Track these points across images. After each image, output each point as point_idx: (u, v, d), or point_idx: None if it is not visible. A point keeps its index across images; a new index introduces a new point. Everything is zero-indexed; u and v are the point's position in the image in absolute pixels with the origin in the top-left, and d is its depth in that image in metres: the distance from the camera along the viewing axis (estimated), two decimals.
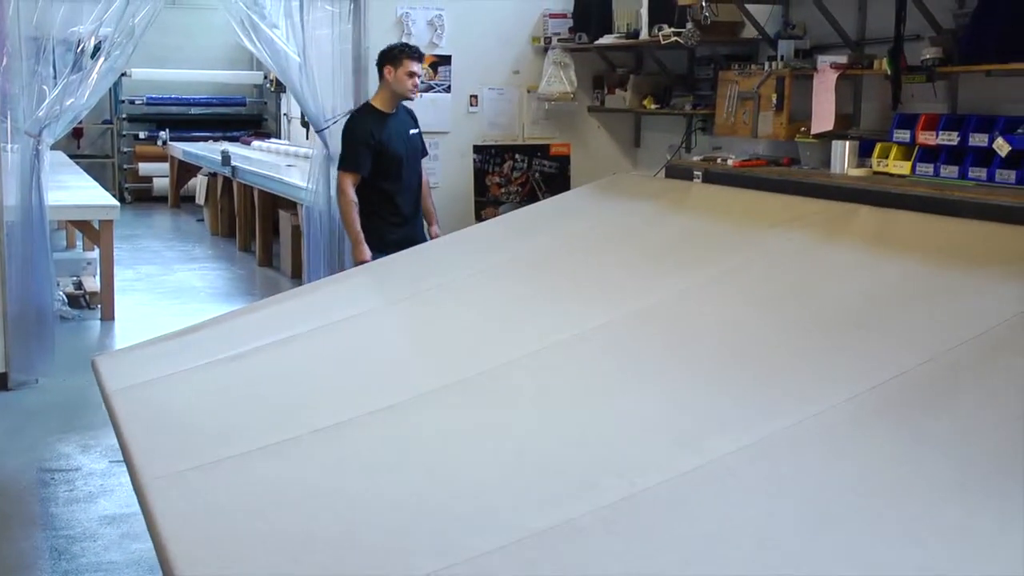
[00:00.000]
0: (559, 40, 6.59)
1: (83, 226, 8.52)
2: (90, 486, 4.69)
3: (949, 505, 2.09)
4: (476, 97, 6.59)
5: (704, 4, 5.08)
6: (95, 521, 4.32)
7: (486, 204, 6.67)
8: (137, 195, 15.50)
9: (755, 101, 5.18)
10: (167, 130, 15.17)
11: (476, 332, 3.63)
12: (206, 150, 13.01)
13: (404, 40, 6.35)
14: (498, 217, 5.19)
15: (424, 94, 6.40)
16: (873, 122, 4.90)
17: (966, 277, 2.97)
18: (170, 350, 3.91)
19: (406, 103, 5.58)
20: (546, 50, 6.63)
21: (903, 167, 4.30)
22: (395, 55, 5.45)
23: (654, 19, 5.73)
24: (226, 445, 2.87)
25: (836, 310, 3.05)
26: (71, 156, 13.35)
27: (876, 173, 4.42)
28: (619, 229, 4.38)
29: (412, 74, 5.44)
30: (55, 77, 6.15)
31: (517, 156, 6.72)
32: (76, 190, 9.10)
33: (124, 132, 15.68)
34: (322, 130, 6.83)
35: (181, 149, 14.04)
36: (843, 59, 4.76)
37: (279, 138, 14.53)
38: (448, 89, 6.48)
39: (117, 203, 8.52)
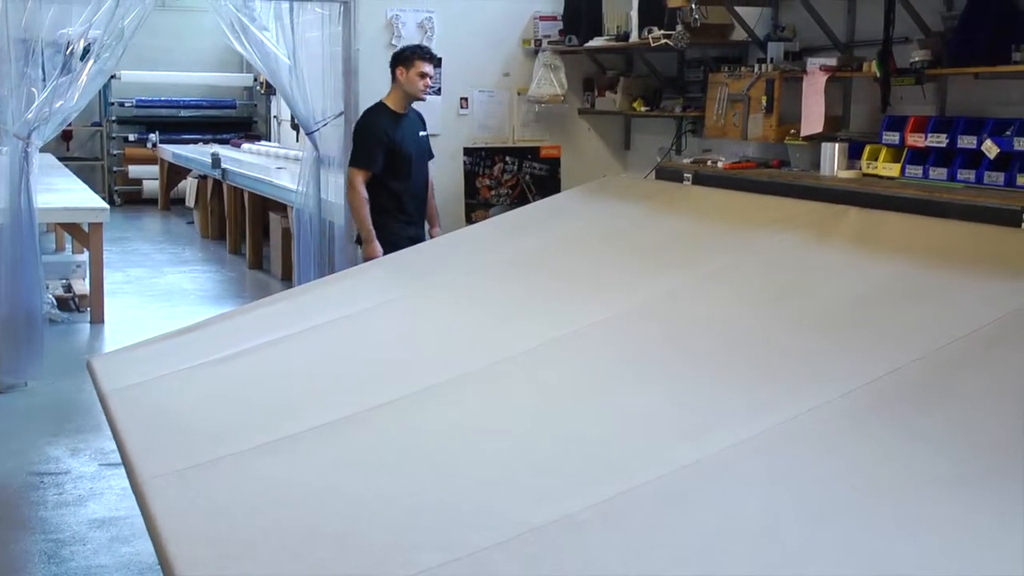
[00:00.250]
0: (549, 42, 6.60)
1: (72, 229, 8.49)
2: (80, 489, 4.68)
3: (943, 499, 2.10)
4: (466, 99, 6.59)
5: (694, 6, 5.09)
6: (84, 524, 4.31)
7: (476, 206, 6.67)
8: (127, 198, 15.47)
9: (745, 103, 5.19)
10: (157, 132, 15.14)
11: (470, 331, 3.64)
12: (196, 152, 12.98)
13: (394, 42, 6.37)
14: (489, 219, 5.19)
15: None
16: (862, 124, 4.92)
17: (955, 277, 2.98)
18: (166, 350, 3.90)
19: (415, 105, 5.65)
20: (536, 52, 6.63)
21: (892, 169, 4.32)
22: (407, 56, 5.53)
23: (644, 21, 5.74)
24: (224, 444, 2.86)
25: (827, 309, 3.06)
26: (60, 159, 13.32)
27: (865, 175, 4.43)
28: (610, 231, 4.39)
29: (424, 75, 5.51)
30: (44, 79, 6.14)
31: (507, 158, 6.72)
32: (65, 193, 9.08)
33: (114, 134, 15.65)
34: (312, 132, 6.83)
35: (171, 151, 14.02)
36: (832, 61, 4.77)
37: (269, 140, 14.51)
38: (438, 91, 6.47)
39: (106, 206, 8.49)
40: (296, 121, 7.73)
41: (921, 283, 3.02)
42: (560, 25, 6.62)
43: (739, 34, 5.59)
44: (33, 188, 6.23)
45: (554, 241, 4.42)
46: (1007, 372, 2.46)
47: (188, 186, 13.22)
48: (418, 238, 5.53)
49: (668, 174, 5.08)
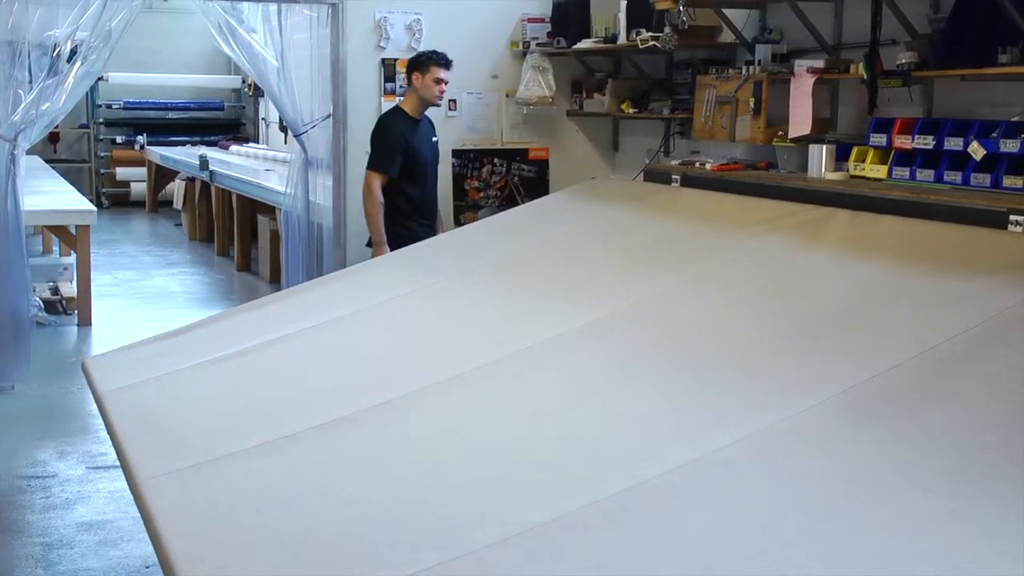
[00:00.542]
0: (537, 44, 6.60)
1: (60, 231, 8.47)
2: (67, 493, 4.66)
3: (934, 500, 2.11)
4: (455, 101, 6.59)
5: (682, 8, 5.10)
6: (72, 528, 4.29)
7: (465, 208, 6.67)
8: (114, 200, 15.43)
9: (733, 105, 5.20)
10: (144, 134, 15.11)
11: (461, 333, 3.65)
12: (184, 155, 12.96)
13: (382, 44, 6.37)
14: (478, 221, 5.19)
15: (402, 98, 6.41)
16: (850, 126, 4.93)
17: (943, 279, 2.99)
18: (161, 351, 3.91)
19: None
20: (524, 54, 6.64)
21: (880, 171, 4.33)
22: (423, 62, 5.56)
23: (632, 23, 5.75)
24: (222, 444, 2.87)
25: (816, 311, 3.07)
26: (47, 161, 13.28)
27: (853, 177, 4.44)
28: (599, 233, 4.39)
29: (439, 81, 5.55)
30: (31, 81, 6.12)
31: (496, 160, 6.72)
32: (53, 195, 9.05)
33: (101, 136, 15.60)
34: (300, 134, 6.82)
35: (159, 154, 13.99)
36: (820, 63, 4.79)
37: (257, 143, 14.50)
38: None
39: (94, 208, 8.47)
40: (284, 123, 7.72)
41: (909, 285, 3.03)
42: (548, 27, 6.63)
43: (727, 36, 5.60)
44: (20, 190, 6.21)
45: (543, 243, 4.43)
46: (997, 373, 2.47)
47: (176, 188, 13.20)
48: None
49: (656, 176, 5.08)
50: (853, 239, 3.46)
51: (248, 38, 6.82)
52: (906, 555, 1.97)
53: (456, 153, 6.64)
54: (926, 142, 4.16)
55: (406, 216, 5.56)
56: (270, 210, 9.27)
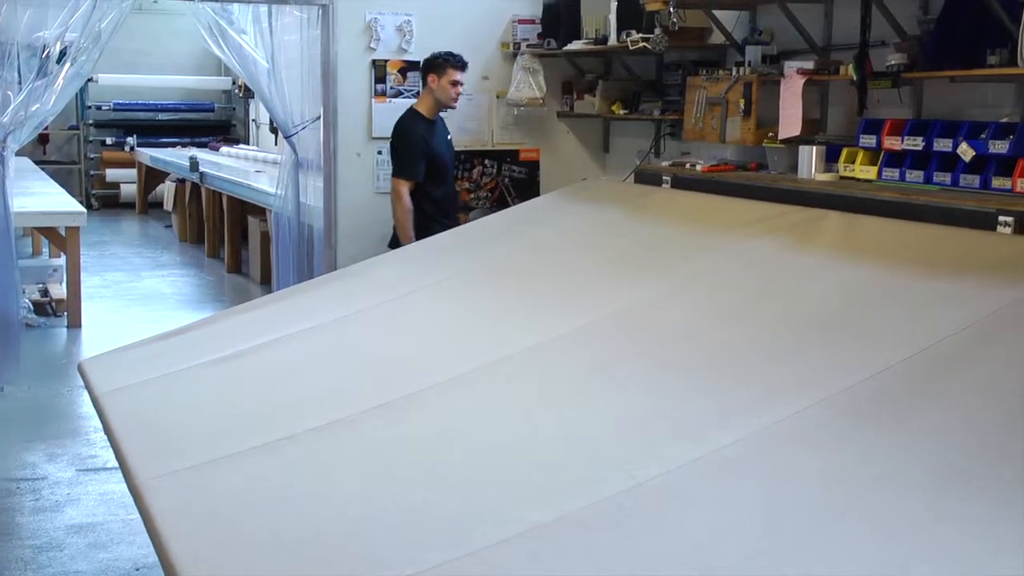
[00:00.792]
0: (528, 46, 6.60)
1: (49, 233, 8.44)
2: (57, 495, 4.65)
3: (924, 502, 2.12)
4: None
5: (672, 10, 5.10)
6: (62, 530, 4.28)
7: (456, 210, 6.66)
8: (104, 201, 15.39)
9: (723, 106, 5.21)
10: (134, 136, 15.08)
11: (458, 334, 3.65)
12: (174, 156, 12.94)
13: (372, 45, 6.36)
14: (469, 223, 5.19)
15: (393, 100, 6.41)
16: (840, 127, 4.94)
17: (933, 281, 3.00)
18: (159, 352, 3.90)
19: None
20: (515, 56, 6.64)
21: (869, 172, 4.34)
22: (439, 64, 5.60)
23: (622, 25, 5.75)
24: (221, 444, 2.86)
25: (807, 312, 3.08)
26: (37, 162, 13.25)
27: (843, 178, 4.45)
28: (590, 234, 4.40)
29: (455, 83, 5.60)
30: (20, 82, 6.10)
31: (486, 162, 6.72)
32: (42, 196, 9.03)
33: (91, 138, 15.57)
34: (291, 136, 6.82)
35: (149, 155, 13.96)
36: (810, 65, 4.80)
37: (248, 144, 14.48)
38: (417, 95, 6.46)
39: (84, 209, 8.46)
40: (274, 124, 7.72)
41: (899, 286, 3.04)
42: (539, 28, 6.63)
43: (717, 37, 5.61)
44: (9, 192, 6.20)
45: (535, 246, 4.43)
46: (988, 374, 2.47)
47: (166, 190, 13.18)
48: None
49: (647, 177, 5.09)
50: (843, 241, 3.47)
51: (238, 39, 6.81)
52: (901, 556, 1.97)
53: None
54: (915, 143, 4.17)
55: (430, 218, 5.59)
56: (260, 211, 9.26)
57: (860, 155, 4.42)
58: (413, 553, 2.18)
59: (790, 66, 4.87)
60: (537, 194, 6.43)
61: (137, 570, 3.95)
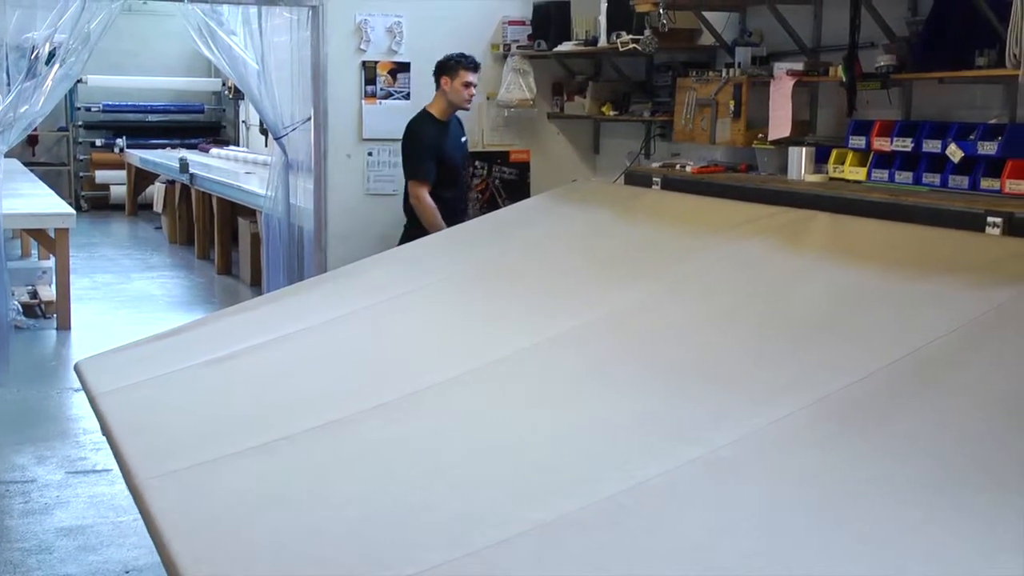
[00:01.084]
0: (518, 47, 6.60)
1: (38, 235, 8.42)
2: (46, 498, 4.63)
3: (912, 505, 2.13)
4: None
5: (662, 11, 5.11)
6: (51, 533, 4.27)
7: None
8: (94, 203, 15.35)
9: (713, 108, 5.22)
10: (124, 137, 15.04)
11: (454, 336, 3.66)
12: (164, 157, 12.90)
13: (362, 47, 6.36)
14: (460, 224, 5.19)
15: (383, 101, 6.41)
16: (829, 128, 4.95)
17: (922, 283, 3.00)
18: (155, 353, 3.91)
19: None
20: (505, 57, 6.64)
21: (859, 173, 4.35)
22: (452, 66, 5.63)
23: (612, 26, 5.76)
24: (219, 444, 2.87)
25: (796, 314, 3.09)
26: (26, 164, 13.19)
27: (832, 179, 4.46)
28: (580, 236, 4.40)
29: (468, 84, 5.63)
30: (8, 84, 6.08)
31: (477, 163, 6.71)
32: (31, 198, 9.00)
33: (80, 139, 15.52)
34: (280, 137, 6.81)
35: (138, 156, 13.92)
36: (799, 66, 4.81)
37: (238, 145, 14.45)
38: (407, 96, 6.46)
39: (73, 211, 8.43)
40: (264, 126, 7.71)
41: (888, 288, 3.04)
42: (529, 30, 6.63)
43: (707, 39, 5.62)
44: None
45: (525, 247, 4.43)
46: (976, 376, 2.48)
47: (156, 191, 13.15)
48: None
49: (637, 178, 5.09)
50: (833, 242, 3.48)
51: (228, 41, 6.79)
52: (899, 557, 1.98)
53: None
54: (905, 144, 4.18)
55: (444, 220, 5.59)
56: (251, 213, 9.25)
57: (849, 156, 4.43)
58: (413, 553, 2.19)
59: (780, 67, 4.88)
60: (527, 195, 6.43)
61: (127, 572, 3.94)
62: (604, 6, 5.85)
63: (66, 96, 12.37)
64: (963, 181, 3.93)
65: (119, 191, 15.17)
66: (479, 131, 6.73)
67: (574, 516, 2.25)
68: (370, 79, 6.42)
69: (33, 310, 8.16)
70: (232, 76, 7.20)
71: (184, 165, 11.15)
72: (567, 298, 3.68)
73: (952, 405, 2.41)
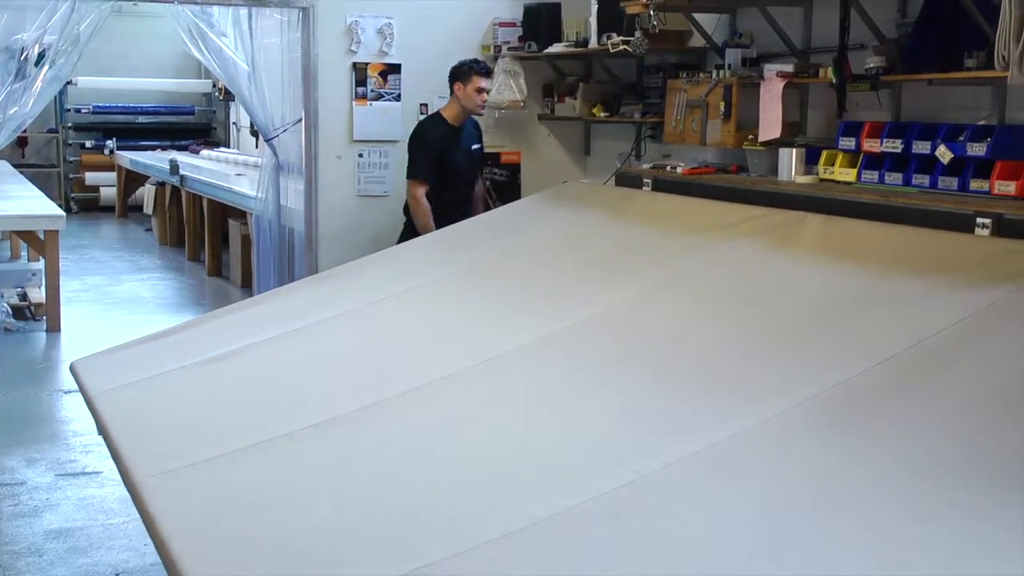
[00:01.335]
0: (509, 49, 6.60)
1: (28, 236, 8.39)
2: (35, 500, 4.62)
3: (902, 504, 2.14)
4: (426, 105, 6.58)
5: (652, 13, 5.12)
6: (40, 536, 4.25)
7: None
8: (84, 205, 15.30)
9: (703, 109, 5.22)
10: (114, 139, 14.99)
11: (450, 334, 3.67)
12: (154, 159, 12.87)
13: (353, 48, 6.35)
14: (451, 226, 5.19)
15: (374, 103, 6.41)
16: (819, 130, 4.97)
17: (912, 283, 3.01)
18: (150, 352, 3.91)
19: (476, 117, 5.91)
20: (496, 58, 6.64)
21: (849, 174, 4.36)
22: (464, 72, 5.71)
23: (603, 28, 5.76)
24: (217, 443, 2.87)
25: (787, 315, 3.10)
26: (15, 165, 13.15)
27: (822, 180, 4.47)
28: (570, 237, 4.40)
29: (480, 90, 5.71)
30: None
31: None
32: (20, 200, 8.97)
33: (70, 141, 15.47)
34: (271, 139, 6.81)
35: (128, 158, 13.89)
36: (789, 68, 4.82)
37: (228, 147, 14.43)
38: (398, 98, 6.47)
39: (63, 213, 8.40)
40: (255, 127, 7.70)
41: (878, 289, 3.05)
42: (519, 31, 6.63)
43: (697, 40, 5.62)
44: None
45: (516, 248, 4.44)
46: (967, 374, 2.50)
47: (146, 193, 13.11)
48: None
49: (628, 180, 5.10)
50: (823, 243, 3.48)
51: (218, 42, 6.79)
52: (900, 550, 2.00)
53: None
54: (894, 146, 4.19)
55: (437, 219, 5.65)
56: (241, 215, 9.23)
57: (839, 157, 4.44)
58: (414, 549, 2.20)
59: (770, 69, 4.89)
60: (518, 197, 6.43)
61: (117, 575, 3.93)
62: (594, 8, 5.86)
63: (56, 98, 12.36)
64: (952, 182, 3.94)
65: (109, 193, 15.13)
66: None
67: (573, 511, 2.27)
68: (361, 80, 6.41)
69: (22, 312, 8.13)
70: (222, 77, 7.20)
71: (174, 167, 11.12)
72: (559, 298, 3.69)
73: (945, 402, 2.43)
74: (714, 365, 2.93)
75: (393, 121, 6.47)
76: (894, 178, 4.16)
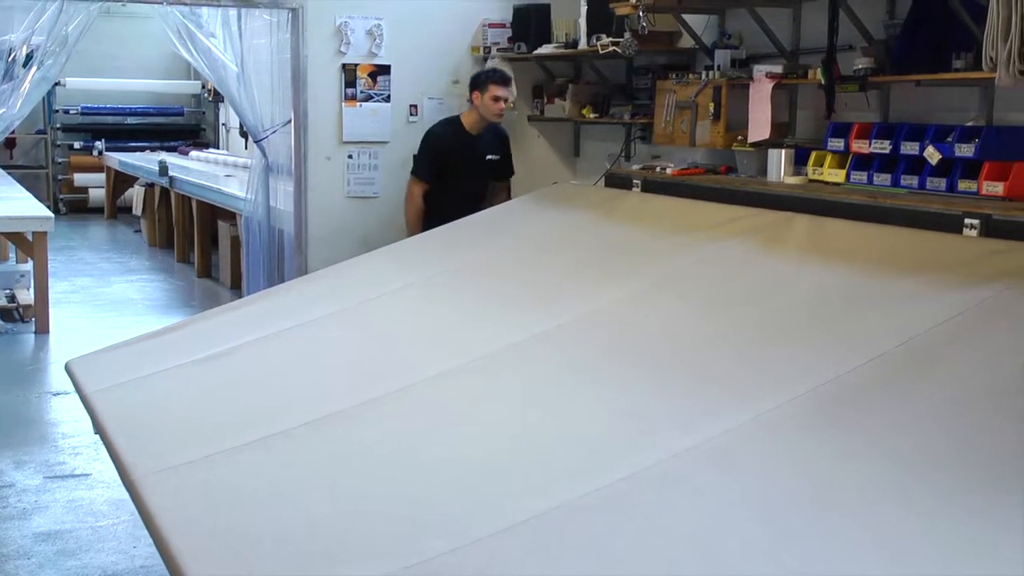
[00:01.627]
0: (498, 50, 6.60)
1: (16, 238, 8.36)
2: (24, 503, 4.60)
3: (892, 503, 2.15)
4: (416, 107, 6.58)
5: (641, 14, 5.12)
6: (29, 538, 4.24)
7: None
8: (72, 206, 15.26)
9: (693, 110, 5.23)
10: (103, 140, 14.95)
11: (445, 333, 3.68)
12: (143, 160, 12.84)
13: (342, 49, 6.35)
14: (442, 227, 5.19)
15: (363, 104, 6.40)
16: (808, 131, 4.98)
17: (900, 283, 3.02)
18: (145, 351, 3.91)
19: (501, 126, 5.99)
20: (485, 59, 6.64)
21: (838, 175, 4.37)
22: (483, 81, 5.79)
23: (592, 29, 5.77)
24: (214, 440, 2.87)
25: (776, 315, 3.11)
26: (3, 167, 13.10)
27: (812, 181, 4.48)
28: (560, 238, 4.41)
29: (497, 99, 5.75)
30: None
31: None
32: (9, 201, 8.94)
33: (59, 142, 15.42)
34: (260, 140, 6.80)
35: (117, 159, 13.85)
36: (778, 69, 4.83)
37: (217, 148, 14.40)
38: (387, 99, 6.46)
39: (51, 214, 8.37)
40: (244, 129, 7.69)
41: (868, 289, 3.07)
42: (509, 32, 6.63)
43: (686, 41, 5.63)
44: None
45: (505, 249, 4.44)
46: (954, 374, 2.51)
47: (135, 194, 13.08)
48: None
49: (617, 181, 5.10)
50: (812, 243, 3.50)
51: (207, 43, 6.78)
52: (861, 564, 2.00)
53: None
54: (883, 146, 4.20)
55: (429, 224, 5.65)
56: (231, 216, 9.22)
57: (828, 158, 4.45)
58: (414, 544, 2.21)
59: (759, 70, 4.90)
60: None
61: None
62: (584, 9, 5.86)
63: (44, 99, 12.33)
64: (941, 183, 3.95)
65: (98, 194, 15.08)
66: None
67: (574, 504, 2.28)
68: (350, 82, 6.41)
69: (11, 314, 8.11)
70: (211, 79, 7.18)
71: (163, 168, 11.10)
72: (552, 297, 3.70)
73: (936, 398, 2.44)
74: (707, 362, 2.95)
75: (383, 122, 6.47)
76: (883, 179, 4.18)
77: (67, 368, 3.87)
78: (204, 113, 16.08)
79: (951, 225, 3.30)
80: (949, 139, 3.98)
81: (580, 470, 2.45)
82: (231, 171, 10.11)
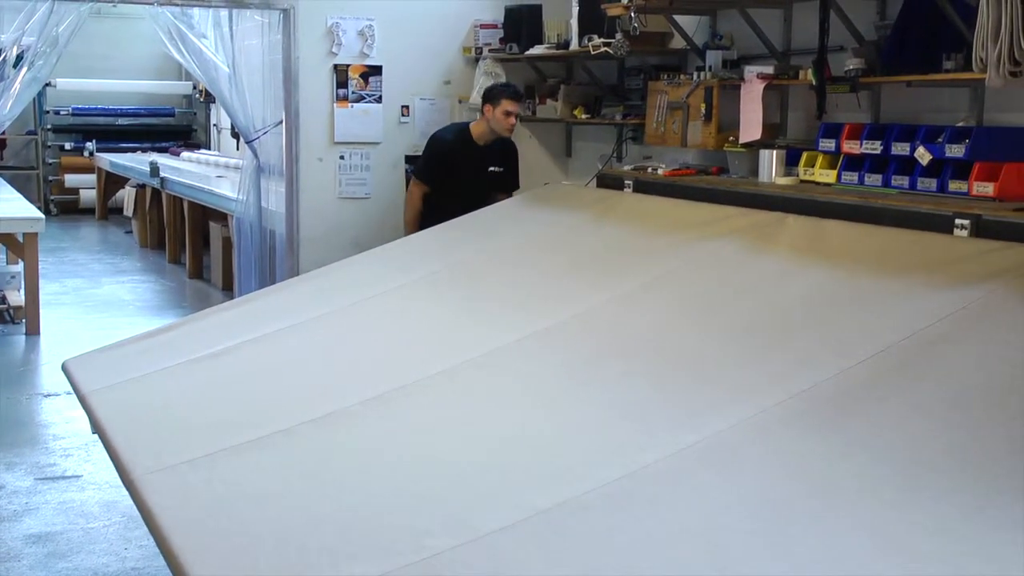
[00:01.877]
0: (490, 50, 6.60)
1: (7, 239, 8.33)
2: (14, 505, 4.59)
3: (885, 502, 2.16)
4: (407, 107, 6.58)
5: (633, 15, 5.13)
6: (20, 540, 4.23)
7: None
8: (63, 207, 15.22)
9: (684, 111, 5.24)
10: (94, 141, 14.91)
11: (442, 332, 3.69)
12: (134, 161, 12.81)
13: (334, 50, 6.34)
14: (432, 228, 5.19)
15: (355, 104, 6.40)
16: (799, 131, 4.98)
17: (892, 283, 3.03)
18: (142, 351, 3.91)
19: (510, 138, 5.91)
20: (477, 60, 6.64)
21: (829, 176, 4.38)
22: (495, 95, 5.77)
23: (584, 29, 5.77)
24: (214, 439, 2.87)
25: (768, 314, 3.12)
26: None
27: (803, 181, 4.49)
28: (552, 239, 4.41)
29: (509, 114, 5.72)
30: None
31: None
32: None
33: (49, 143, 15.38)
34: (252, 141, 6.79)
35: (108, 160, 13.82)
36: (769, 69, 4.84)
37: (209, 149, 14.38)
38: (379, 99, 6.46)
39: (42, 215, 8.36)
40: (236, 129, 7.68)
41: (860, 288, 3.08)
42: (501, 33, 6.64)
43: (678, 42, 5.64)
44: None
45: (497, 250, 4.44)
46: (947, 372, 2.53)
47: (126, 195, 13.06)
48: None
49: (609, 181, 5.11)
50: (803, 243, 3.50)
51: (199, 44, 6.77)
52: (857, 562, 2.00)
53: (409, 159, 6.63)
54: (874, 147, 4.21)
55: (424, 218, 5.71)
56: (222, 217, 9.20)
57: (820, 159, 4.46)
58: (421, 539, 2.21)
59: (750, 71, 4.91)
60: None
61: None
62: (576, 10, 5.87)
63: (35, 100, 12.30)
64: (931, 183, 3.96)
65: (89, 195, 15.05)
66: None
67: (576, 501, 2.29)
68: (342, 82, 6.41)
69: (2, 315, 8.09)
70: (203, 79, 7.17)
71: (155, 169, 11.08)
72: (546, 297, 3.71)
73: (930, 397, 2.46)
74: (703, 361, 2.96)
75: (374, 123, 6.46)
76: (874, 179, 4.18)
77: (64, 368, 3.87)
78: (195, 114, 16.06)
79: (942, 225, 3.32)
80: (940, 140, 3.99)
81: (583, 466, 2.46)
82: (222, 172, 10.10)
